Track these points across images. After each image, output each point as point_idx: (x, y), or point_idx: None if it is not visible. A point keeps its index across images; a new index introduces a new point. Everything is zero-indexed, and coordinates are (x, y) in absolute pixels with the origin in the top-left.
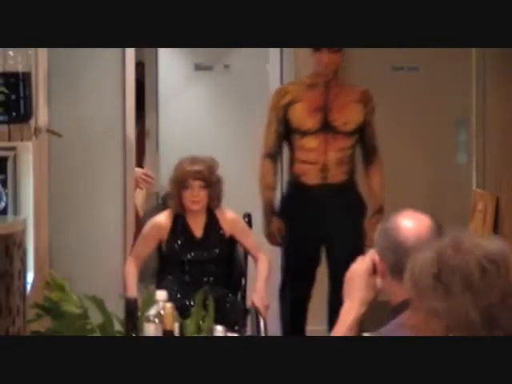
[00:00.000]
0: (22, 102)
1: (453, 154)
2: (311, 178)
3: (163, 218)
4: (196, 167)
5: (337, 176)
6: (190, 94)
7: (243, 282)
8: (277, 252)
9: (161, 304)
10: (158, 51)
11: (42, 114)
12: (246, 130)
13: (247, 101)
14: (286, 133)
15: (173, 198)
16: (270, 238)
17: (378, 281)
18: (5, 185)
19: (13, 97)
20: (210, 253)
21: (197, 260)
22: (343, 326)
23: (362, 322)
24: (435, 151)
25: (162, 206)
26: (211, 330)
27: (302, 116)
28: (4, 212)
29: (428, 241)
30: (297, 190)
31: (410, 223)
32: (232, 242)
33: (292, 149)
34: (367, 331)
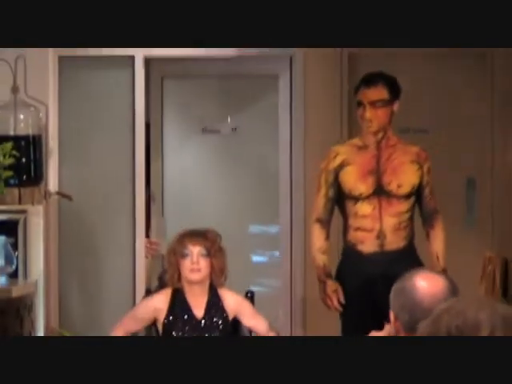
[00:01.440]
0: (32, 165)
1: (463, 215)
2: (367, 246)
3: (160, 298)
4: (196, 235)
5: (394, 243)
6: (197, 157)
7: None
8: None
9: None
10: (164, 113)
11: (52, 177)
12: (253, 196)
13: (256, 165)
14: (337, 198)
15: (170, 271)
16: (327, 301)
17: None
18: (15, 248)
19: (23, 160)
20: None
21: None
22: None
23: None
24: (445, 212)
25: (158, 288)
26: None
27: (354, 180)
28: (15, 275)
29: (444, 301)
30: (352, 258)
31: (426, 283)
32: (237, 325)
33: (345, 215)
34: None
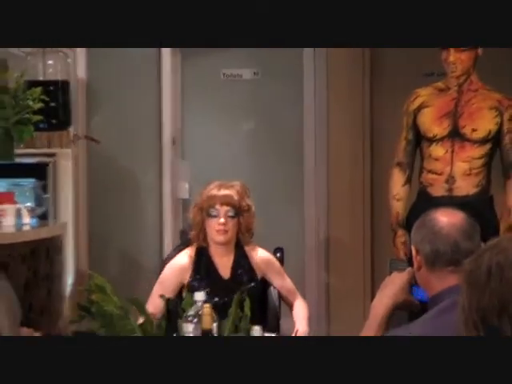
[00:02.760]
0: (60, 110)
1: None
2: (436, 189)
3: (184, 258)
4: (224, 191)
5: (464, 188)
6: (217, 101)
7: (278, 324)
8: None
9: (199, 304)
10: (184, 57)
11: (80, 122)
12: (279, 145)
13: (280, 111)
14: (417, 140)
15: (196, 229)
16: (394, 251)
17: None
18: (45, 190)
19: (52, 104)
20: None
21: (224, 305)
22: (373, 321)
23: (389, 321)
24: None
25: (181, 246)
26: (248, 330)
27: (430, 122)
28: (44, 217)
29: (462, 231)
30: (423, 201)
31: (446, 215)
32: (264, 282)
33: (421, 157)
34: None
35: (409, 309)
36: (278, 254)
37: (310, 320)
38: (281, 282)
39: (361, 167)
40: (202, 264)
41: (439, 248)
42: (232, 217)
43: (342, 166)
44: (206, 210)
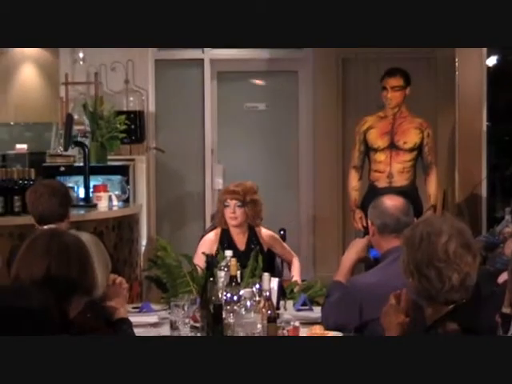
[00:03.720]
0: (138, 130)
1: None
2: (381, 182)
3: (212, 234)
4: (234, 189)
5: (400, 181)
6: (241, 124)
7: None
8: None
9: (228, 258)
10: (220, 95)
11: (151, 138)
12: (282, 154)
13: (282, 132)
14: (366, 151)
15: (218, 215)
16: (354, 224)
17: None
18: (128, 183)
19: (133, 126)
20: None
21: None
22: (342, 270)
23: (353, 269)
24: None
25: (212, 226)
26: (260, 276)
27: (375, 138)
28: (127, 201)
29: (401, 210)
30: (372, 191)
31: (390, 199)
32: (271, 253)
33: (369, 162)
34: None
35: (366, 262)
36: (282, 232)
37: (302, 270)
38: (281, 249)
39: (335, 164)
40: (224, 239)
41: (386, 221)
42: (240, 206)
43: (324, 163)
44: (222, 202)
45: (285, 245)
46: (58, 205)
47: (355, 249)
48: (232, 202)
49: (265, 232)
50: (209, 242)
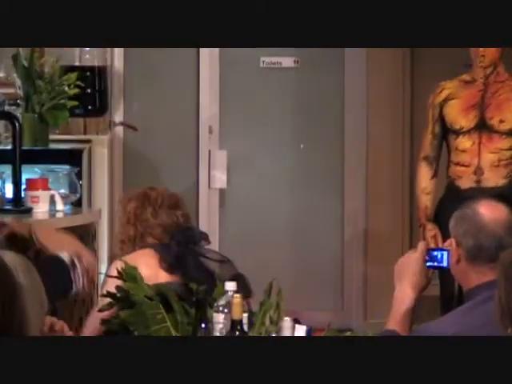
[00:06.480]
0: (97, 96)
1: None
2: (464, 181)
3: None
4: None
5: (492, 180)
6: (256, 89)
7: None
8: None
9: (230, 294)
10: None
11: (117, 108)
12: (318, 135)
13: (319, 100)
14: (443, 133)
15: None
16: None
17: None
18: (79, 177)
19: (88, 90)
20: None
21: None
22: (398, 314)
23: (414, 311)
24: None
25: None
26: (281, 321)
27: (456, 114)
28: (78, 204)
29: (506, 228)
30: (452, 194)
31: (489, 209)
32: None
33: (448, 151)
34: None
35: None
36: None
37: (345, 314)
38: None
39: (400, 159)
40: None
41: (483, 243)
42: None
43: (381, 152)
44: None
45: None
46: None
47: (411, 278)
48: None
49: None
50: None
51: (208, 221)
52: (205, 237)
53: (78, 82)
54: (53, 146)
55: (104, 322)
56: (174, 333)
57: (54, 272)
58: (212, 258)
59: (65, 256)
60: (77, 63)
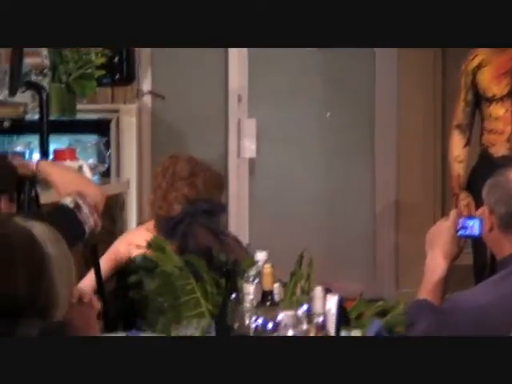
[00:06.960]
0: (124, 65)
1: None
2: (497, 149)
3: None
4: None
5: None
6: (288, 57)
7: None
8: None
9: (260, 264)
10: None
11: (145, 77)
12: (349, 105)
13: (351, 72)
14: (476, 101)
15: None
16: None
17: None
18: (108, 147)
19: (115, 59)
20: None
21: None
22: (430, 284)
23: (446, 280)
24: None
25: None
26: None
27: (488, 81)
28: (107, 174)
29: None
30: (485, 162)
31: None
32: None
33: (481, 118)
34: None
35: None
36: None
37: (378, 284)
38: None
39: (430, 122)
40: None
41: None
42: None
43: (413, 120)
44: None
45: None
46: None
47: (444, 247)
48: None
49: None
50: None
51: (238, 190)
52: (221, 209)
53: (106, 51)
54: (80, 115)
55: (126, 293)
56: (204, 303)
57: (62, 223)
58: (223, 235)
59: (68, 201)
60: None
